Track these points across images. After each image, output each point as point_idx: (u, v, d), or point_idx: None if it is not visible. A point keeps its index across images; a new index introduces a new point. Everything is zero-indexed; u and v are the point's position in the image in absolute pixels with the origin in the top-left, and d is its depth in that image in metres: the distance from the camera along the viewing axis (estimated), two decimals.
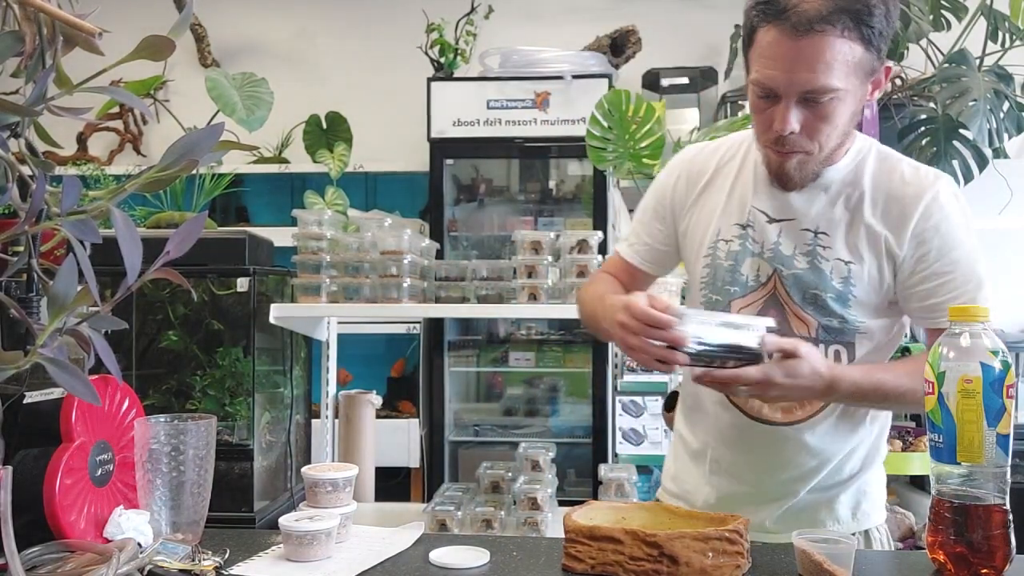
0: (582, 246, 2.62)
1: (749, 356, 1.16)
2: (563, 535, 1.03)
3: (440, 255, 3.29)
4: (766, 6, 1.20)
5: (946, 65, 3.17)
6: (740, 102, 3.63)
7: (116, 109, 4.17)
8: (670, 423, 1.63)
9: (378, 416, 3.21)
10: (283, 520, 1.06)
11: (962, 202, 1.31)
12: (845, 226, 1.31)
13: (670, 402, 1.77)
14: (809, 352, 1.20)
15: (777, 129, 1.23)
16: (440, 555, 1.05)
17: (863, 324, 1.30)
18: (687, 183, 1.45)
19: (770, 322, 1.21)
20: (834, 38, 1.17)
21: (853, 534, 1.28)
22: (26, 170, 0.84)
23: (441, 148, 3.78)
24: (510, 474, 2.79)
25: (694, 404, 1.44)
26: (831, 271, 1.31)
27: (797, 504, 1.35)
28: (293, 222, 2.86)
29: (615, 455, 3.08)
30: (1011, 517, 0.98)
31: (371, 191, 4.31)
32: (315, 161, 3.98)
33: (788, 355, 1.18)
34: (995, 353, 0.97)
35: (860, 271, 1.30)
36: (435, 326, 3.83)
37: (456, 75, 3.84)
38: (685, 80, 3.97)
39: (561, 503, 2.80)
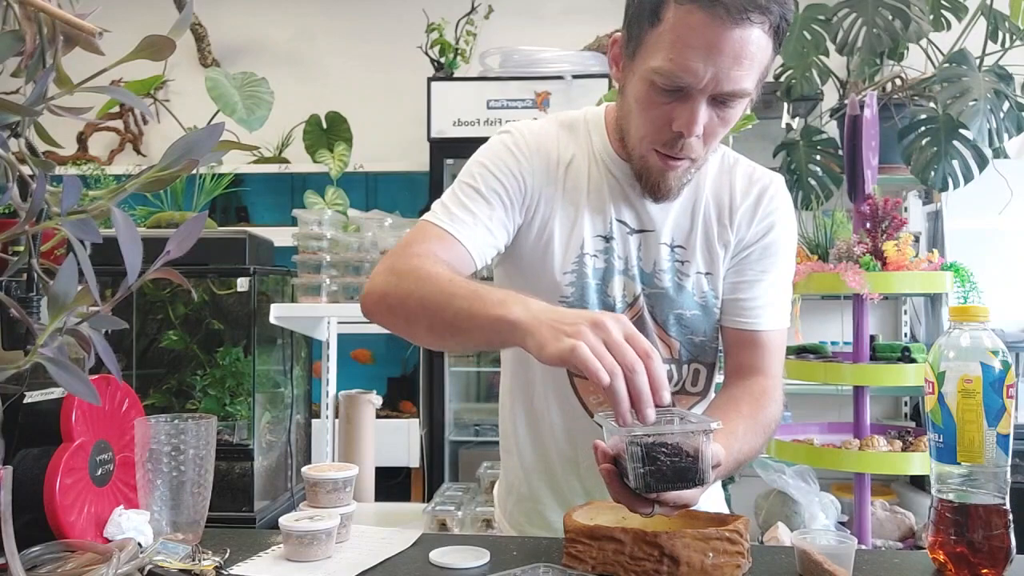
0: None
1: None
2: (563, 535, 1.03)
3: None
4: None
5: (946, 65, 3.17)
6: None
7: (116, 109, 4.16)
8: None
9: (378, 416, 3.21)
10: (283, 520, 1.06)
11: (791, 206, 1.25)
12: (697, 235, 1.21)
13: None
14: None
15: (681, 130, 1.05)
16: (440, 555, 1.05)
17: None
18: (546, 170, 1.19)
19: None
20: (760, 31, 1.00)
21: None
22: (26, 170, 0.84)
23: (441, 148, 3.77)
24: None
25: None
26: (692, 286, 1.22)
27: None
28: (293, 222, 2.87)
29: None
30: (1011, 517, 0.98)
31: (371, 191, 4.31)
32: (315, 161, 3.97)
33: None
34: (995, 353, 0.97)
35: (717, 281, 1.22)
36: None
37: (456, 75, 3.84)
38: None
39: None
